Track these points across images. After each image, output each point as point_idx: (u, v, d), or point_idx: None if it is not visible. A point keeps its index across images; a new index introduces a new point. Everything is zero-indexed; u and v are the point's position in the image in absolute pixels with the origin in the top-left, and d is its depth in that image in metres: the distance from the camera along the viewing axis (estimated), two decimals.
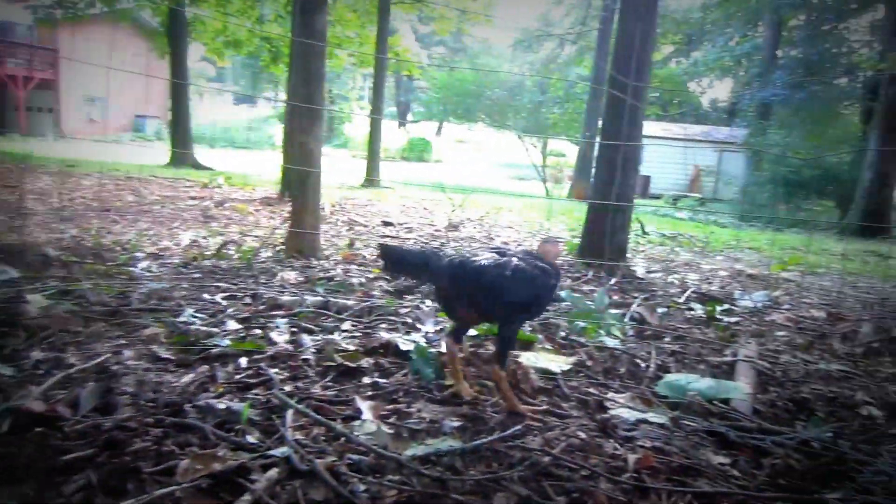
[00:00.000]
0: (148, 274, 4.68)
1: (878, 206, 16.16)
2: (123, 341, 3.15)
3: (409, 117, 46.74)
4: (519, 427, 2.52)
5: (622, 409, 2.88)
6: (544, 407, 2.81)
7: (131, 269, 4.77)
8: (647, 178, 24.26)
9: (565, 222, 10.85)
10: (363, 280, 5.00)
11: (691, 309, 5.10)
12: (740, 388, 3.14)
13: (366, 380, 2.91)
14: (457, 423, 2.54)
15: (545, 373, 3.20)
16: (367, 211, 10.73)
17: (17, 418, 2.20)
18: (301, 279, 4.85)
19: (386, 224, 9.22)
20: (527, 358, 3.32)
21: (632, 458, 2.33)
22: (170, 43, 17.58)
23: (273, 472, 1.98)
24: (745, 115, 24.88)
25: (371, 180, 16.19)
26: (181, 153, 16.28)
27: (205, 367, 2.88)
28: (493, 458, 2.31)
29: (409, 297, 4.56)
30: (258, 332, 3.47)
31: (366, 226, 8.96)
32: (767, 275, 7.51)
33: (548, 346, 3.67)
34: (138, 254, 5.42)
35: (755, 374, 3.49)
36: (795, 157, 18.55)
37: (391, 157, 33.43)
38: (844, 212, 18.17)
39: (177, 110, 17.33)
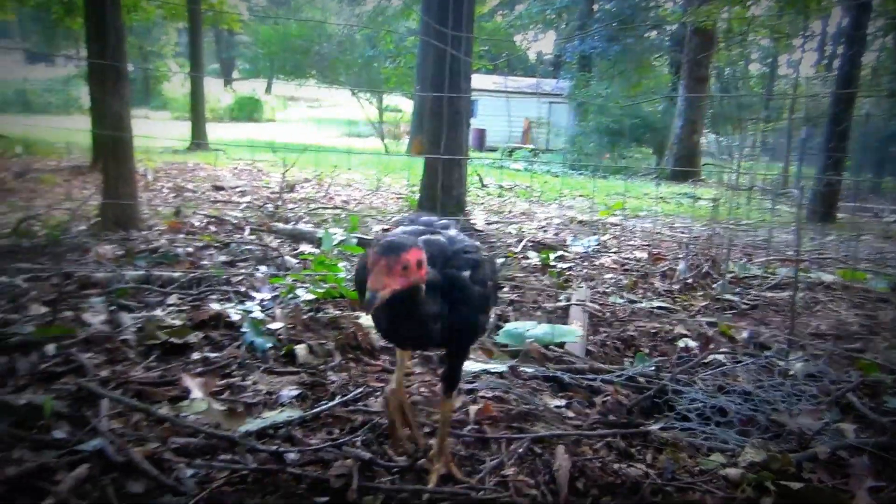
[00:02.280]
0: None
1: (689, 152, 17.63)
2: None
3: (235, 74, 44.04)
4: (360, 390, 2.46)
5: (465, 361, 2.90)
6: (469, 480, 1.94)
7: None
8: (482, 132, 24.79)
9: (407, 178, 10.81)
10: (190, 249, 4.67)
11: (527, 258, 5.27)
12: (574, 332, 3.28)
13: (195, 356, 2.70)
14: (296, 392, 2.43)
15: None
16: (196, 176, 10.06)
17: None
18: (119, 253, 4.43)
19: (217, 189, 8.70)
20: (367, 318, 3.26)
21: (473, 409, 2.35)
22: None
23: (82, 469, 1.77)
24: (568, 68, 25.95)
25: (198, 143, 15.17)
26: None
27: (2, 360, 2.53)
28: (334, 425, 2.23)
29: (243, 265, 4.32)
30: (69, 314, 3.11)
31: (195, 191, 8.40)
32: (596, 220, 7.96)
33: None
34: None
35: (587, 317, 3.67)
36: (615, 108, 19.71)
37: (219, 118, 31.49)
38: (660, 158, 19.67)
39: None
